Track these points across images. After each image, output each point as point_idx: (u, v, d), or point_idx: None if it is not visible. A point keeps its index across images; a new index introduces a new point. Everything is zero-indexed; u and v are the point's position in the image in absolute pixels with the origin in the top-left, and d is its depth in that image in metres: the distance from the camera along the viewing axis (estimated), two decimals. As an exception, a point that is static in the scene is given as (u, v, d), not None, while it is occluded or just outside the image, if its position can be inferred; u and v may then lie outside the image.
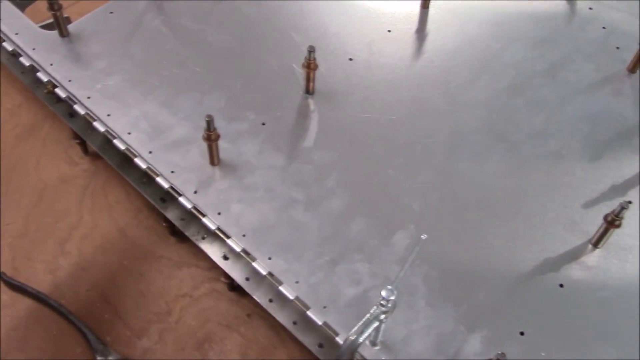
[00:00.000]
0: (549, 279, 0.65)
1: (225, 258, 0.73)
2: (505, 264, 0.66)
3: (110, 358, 0.73)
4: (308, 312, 0.62)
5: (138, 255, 0.82)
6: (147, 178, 0.77)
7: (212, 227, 0.67)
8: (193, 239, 0.75)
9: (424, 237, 0.55)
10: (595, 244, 0.68)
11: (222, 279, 0.78)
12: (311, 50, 0.73)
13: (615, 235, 0.66)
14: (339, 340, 0.61)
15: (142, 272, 0.81)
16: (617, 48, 0.84)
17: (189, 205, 0.69)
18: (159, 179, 0.71)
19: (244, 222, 0.67)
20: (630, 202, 0.62)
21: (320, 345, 0.64)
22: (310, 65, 0.74)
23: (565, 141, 0.76)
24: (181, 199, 0.69)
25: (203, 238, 0.75)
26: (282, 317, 0.66)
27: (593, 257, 0.67)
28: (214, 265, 0.77)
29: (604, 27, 0.87)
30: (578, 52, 0.85)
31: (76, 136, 0.86)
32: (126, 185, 0.86)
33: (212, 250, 0.74)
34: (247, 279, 0.70)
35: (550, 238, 0.67)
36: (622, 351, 0.60)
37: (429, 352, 0.60)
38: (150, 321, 0.78)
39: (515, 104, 0.79)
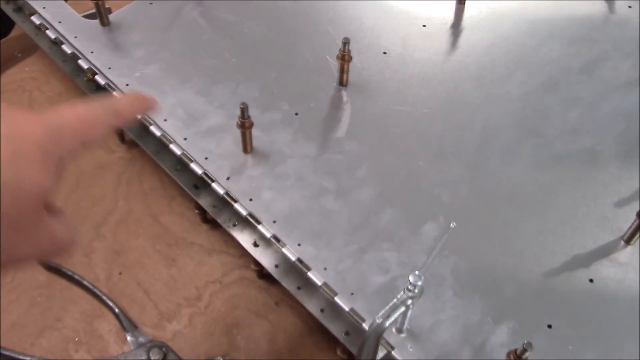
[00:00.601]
0: (579, 273, 0.65)
1: (256, 245, 0.73)
2: (534, 258, 0.66)
3: (140, 339, 0.75)
4: (335, 299, 0.62)
5: (170, 241, 0.84)
6: (180, 165, 0.78)
7: (244, 212, 0.69)
8: (224, 226, 0.76)
9: (453, 225, 0.55)
10: (628, 241, 0.67)
11: (252, 266, 0.80)
12: (346, 42, 0.74)
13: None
14: (366, 326, 0.61)
15: (174, 258, 0.83)
16: (656, 46, 0.83)
17: (221, 191, 0.70)
18: (192, 165, 0.72)
19: (274, 209, 0.68)
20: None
21: (347, 333, 0.65)
22: (344, 57, 0.75)
23: (600, 138, 0.75)
24: (214, 185, 0.71)
25: (234, 225, 0.76)
26: (310, 304, 0.67)
27: (624, 254, 0.66)
28: (244, 253, 0.78)
29: (642, 25, 0.86)
30: (615, 50, 0.84)
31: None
32: (160, 173, 0.88)
33: (243, 238, 0.75)
34: (276, 266, 0.71)
35: (580, 233, 0.67)
36: None
37: (455, 341, 0.61)
38: (180, 305, 0.79)
39: (550, 100, 0.78)
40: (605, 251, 0.66)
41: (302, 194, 0.69)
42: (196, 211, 0.84)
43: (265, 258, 0.72)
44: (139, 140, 0.80)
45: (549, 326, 0.62)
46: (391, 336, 0.61)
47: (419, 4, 0.89)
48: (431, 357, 0.60)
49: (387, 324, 0.52)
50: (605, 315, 0.62)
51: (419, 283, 0.51)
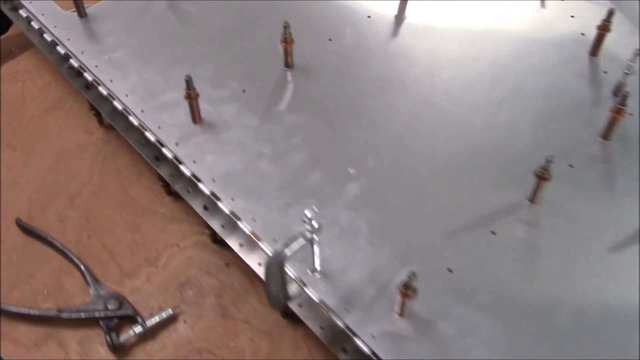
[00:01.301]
0: (482, 227, 0.72)
1: (205, 208, 0.82)
2: (444, 214, 0.73)
3: (101, 292, 0.83)
4: (260, 243, 0.70)
5: (137, 211, 0.93)
6: (145, 140, 0.87)
7: (188, 173, 0.77)
8: (181, 193, 0.85)
9: (352, 171, 0.63)
10: (531, 200, 0.74)
11: (206, 230, 0.88)
12: (286, 25, 0.83)
13: (552, 192, 0.72)
14: (289, 271, 0.69)
15: (138, 225, 0.92)
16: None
17: (170, 155, 0.79)
18: (147, 133, 0.81)
19: (215, 169, 0.77)
20: (552, 156, 0.69)
21: None
22: (286, 40, 0.84)
23: (520, 113, 0.82)
24: (164, 150, 0.79)
25: (188, 192, 0.85)
26: (251, 260, 0.75)
27: (527, 212, 0.73)
28: (201, 221, 0.86)
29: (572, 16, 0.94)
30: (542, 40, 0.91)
31: (92, 107, 0.98)
32: (132, 152, 0.97)
33: (196, 202, 0.83)
34: (223, 227, 0.79)
35: (489, 193, 0.74)
36: (540, 291, 0.66)
37: (363, 281, 0.68)
38: (140, 265, 0.88)
39: (477, 79, 0.86)
40: (510, 209, 0.73)
41: (240, 158, 0.78)
42: (160, 183, 0.92)
43: (213, 220, 0.81)
44: (111, 119, 0.90)
45: (449, 270, 0.69)
46: (306, 276, 0.68)
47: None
48: (339, 294, 0.67)
49: (286, 252, 0.60)
50: (503, 263, 0.69)
51: (310, 215, 0.59)
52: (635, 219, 0.71)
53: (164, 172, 0.86)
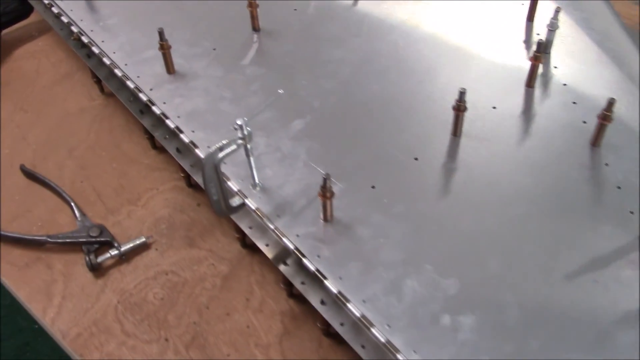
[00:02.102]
0: (407, 153, 0.81)
1: (179, 151, 0.94)
2: (374, 144, 0.83)
3: (86, 224, 0.95)
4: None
5: (125, 162, 1.06)
6: (133, 97, 1.00)
7: (158, 112, 0.89)
8: (160, 140, 0.97)
9: (280, 91, 0.74)
10: (454, 134, 0.83)
11: (181, 174, 1.00)
12: (253, -8, 0.95)
13: (472, 125, 0.82)
14: (232, 186, 0.80)
15: (125, 172, 1.04)
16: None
17: (144, 98, 0.91)
18: (128, 82, 0.94)
19: (181, 109, 0.89)
20: (464, 89, 0.78)
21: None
22: (252, 5, 0.96)
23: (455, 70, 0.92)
24: (140, 95, 0.92)
25: (165, 138, 0.97)
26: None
27: (450, 142, 0.82)
28: (180, 169, 0.98)
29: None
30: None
31: (94, 75, 1.12)
32: (126, 115, 1.10)
33: (170, 146, 0.95)
34: (192, 166, 0.90)
35: (417, 128, 0.84)
36: (450, 204, 0.76)
37: (296, 195, 0.78)
38: (123, 204, 1.00)
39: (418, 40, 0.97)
40: (433, 142, 0.83)
41: (204, 100, 0.90)
42: (146, 136, 1.05)
43: (185, 161, 0.92)
44: (106, 81, 1.03)
45: (373, 187, 0.79)
46: (248, 191, 0.79)
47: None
48: (274, 203, 0.77)
49: (219, 154, 0.71)
50: (419, 183, 0.78)
51: (241, 122, 0.70)
52: (545, 148, 0.80)
53: (146, 122, 0.99)
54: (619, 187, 0.76)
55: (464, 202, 0.76)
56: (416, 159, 0.81)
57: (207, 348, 0.83)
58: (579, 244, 0.71)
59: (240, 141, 0.71)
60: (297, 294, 0.86)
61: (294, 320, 0.85)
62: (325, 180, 0.71)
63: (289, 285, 0.85)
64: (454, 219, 0.74)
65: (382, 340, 0.66)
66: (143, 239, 0.93)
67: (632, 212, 0.74)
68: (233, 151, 0.72)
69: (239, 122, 0.70)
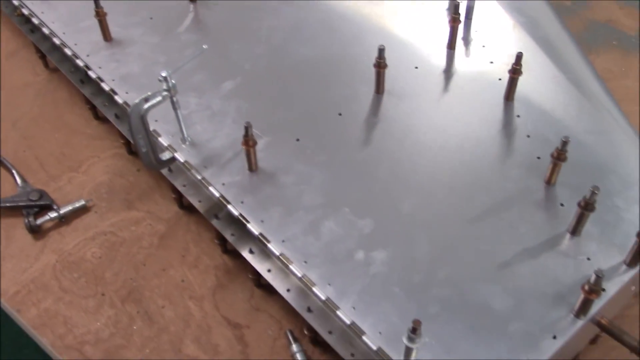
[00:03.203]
0: (331, 109, 0.85)
1: (117, 117, 0.97)
2: (301, 100, 0.87)
3: (27, 189, 0.98)
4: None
5: (68, 132, 1.08)
6: (74, 67, 1.03)
7: (94, 76, 0.92)
8: (99, 107, 1.00)
9: (205, 47, 0.78)
10: (377, 91, 0.87)
11: (121, 140, 1.02)
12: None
13: (395, 83, 0.87)
14: (162, 141, 0.83)
15: (68, 142, 1.06)
16: None
17: (81, 64, 0.94)
18: (66, 50, 0.97)
19: (116, 73, 0.92)
20: (383, 46, 0.82)
21: (170, 170, 0.87)
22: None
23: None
24: (77, 61, 0.95)
25: (105, 105, 1.00)
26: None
27: (373, 99, 0.87)
28: (121, 136, 1.01)
29: None
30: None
31: (38, 50, 1.14)
32: (70, 88, 1.13)
33: (109, 112, 0.98)
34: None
35: (343, 87, 0.88)
36: (370, 155, 0.80)
37: (224, 148, 0.82)
38: (64, 171, 1.02)
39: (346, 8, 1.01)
40: (357, 99, 0.87)
41: (139, 65, 0.93)
42: (88, 107, 1.08)
43: (123, 126, 0.95)
44: (49, 54, 1.06)
45: (297, 139, 0.82)
46: (177, 145, 0.82)
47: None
48: (203, 156, 0.81)
49: (144, 105, 0.74)
50: (342, 135, 0.82)
51: (165, 74, 0.73)
52: (462, 104, 0.84)
53: (87, 91, 1.01)
54: (528, 136, 0.81)
55: (383, 152, 0.80)
56: (340, 114, 0.85)
57: (142, 301, 0.86)
58: (489, 187, 0.76)
59: (165, 93, 0.74)
60: (231, 249, 0.90)
61: (228, 274, 0.88)
62: (247, 129, 0.75)
63: (223, 241, 0.88)
64: (373, 166, 0.78)
65: (299, 275, 0.69)
66: (82, 202, 0.95)
67: (539, 158, 0.78)
68: (158, 102, 0.75)
69: (163, 74, 0.74)
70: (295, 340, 0.80)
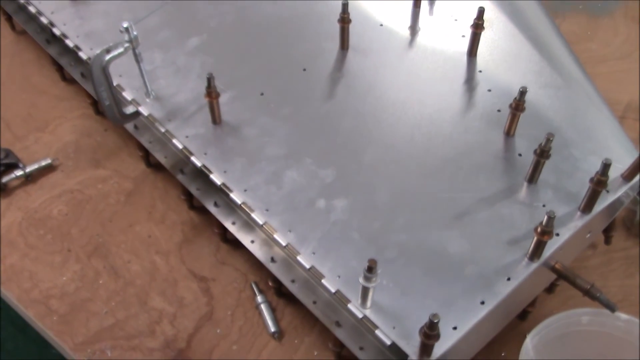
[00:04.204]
0: (296, 64, 0.86)
1: (83, 76, 0.96)
2: (266, 56, 0.87)
3: (-7, 151, 0.97)
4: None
5: (35, 93, 1.07)
6: (40, 28, 1.02)
7: (58, 33, 0.92)
8: (66, 67, 1.00)
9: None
10: (342, 47, 0.88)
11: (89, 101, 1.02)
12: None
13: (360, 40, 0.88)
14: (126, 95, 0.83)
15: (35, 103, 1.06)
16: None
17: (45, 21, 0.94)
18: (30, 8, 0.96)
19: (80, 30, 0.92)
20: (346, 0, 0.83)
21: (136, 127, 0.87)
22: None
23: None
24: (42, 18, 0.94)
25: (71, 65, 0.99)
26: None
27: (338, 54, 0.87)
28: (88, 96, 1.01)
29: None
30: None
31: (4, 13, 1.13)
32: (38, 50, 1.12)
33: (75, 72, 0.98)
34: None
35: (308, 43, 0.88)
36: (334, 108, 0.81)
37: (188, 102, 0.82)
38: (31, 131, 1.02)
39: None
40: (321, 55, 0.87)
41: (104, 21, 0.92)
42: (55, 68, 1.07)
43: (89, 85, 0.95)
44: (15, 15, 1.05)
45: (262, 94, 0.83)
46: (141, 99, 0.82)
47: None
48: (167, 109, 0.81)
49: (105, 56, 0.74)
50: (306, 90, 0.83)
51: (126, 25, 0.73)
52: (426, 59, 0.85)
53: (53, 51, 1.01)
54: (489, 90, 0.82)
55: (346, 106, 0.81)
56: (304, 69, 0.85)
57: (108, 256, 0.87)
58: (450, 139, 0.77)
59: (127, 44, 0.74)
60: (197, 205, 0.90)
61: (194, 229, 0.89)
62: (209, 80, 0.75)
63: (189, 197, 0.88)
64: (336, 120, 0.79)
65: (261, 222, 0.70)
66: (49, 161, 0.95)
67: (499, 111, 0.79)
68: (120, 54, 0.75)
69: (124, 24, 0.74)
70: (260, 291, 0.81)
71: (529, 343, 0.67)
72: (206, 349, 0.77)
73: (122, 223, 0.90)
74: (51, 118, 1.03)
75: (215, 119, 0.78)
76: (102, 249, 0.87)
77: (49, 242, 0.88)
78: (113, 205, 0.92)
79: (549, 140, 0.67)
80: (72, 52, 0.93)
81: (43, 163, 0.95)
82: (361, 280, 0.59)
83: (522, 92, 0.73)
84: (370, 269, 0.58)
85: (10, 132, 1.01)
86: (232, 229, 0.79)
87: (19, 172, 0.93)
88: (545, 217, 0.61)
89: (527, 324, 0.78)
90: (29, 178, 0.94)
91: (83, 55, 0.88)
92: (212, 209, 0.80)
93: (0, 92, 1.06)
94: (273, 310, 0.80)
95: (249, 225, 0.78)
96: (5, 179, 0.93)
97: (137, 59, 0.78)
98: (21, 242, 0.88)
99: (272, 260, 0.75)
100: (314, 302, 0.71)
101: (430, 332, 0.55)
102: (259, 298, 0.79)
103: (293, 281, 0.73)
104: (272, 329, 0.77)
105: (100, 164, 0.97)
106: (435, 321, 0.54)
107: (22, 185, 0.95)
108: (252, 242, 0.77)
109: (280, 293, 0.81)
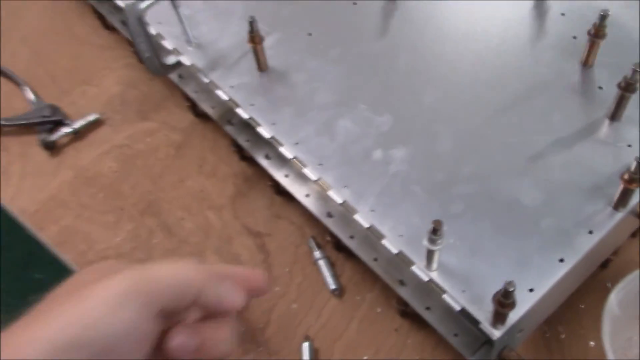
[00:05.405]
0: None
1: (123, 23, 0.92)
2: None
3: (40, 105, 0.95)
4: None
5: (78, 44, 1.04)
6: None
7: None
8: (105, 14, 0.95)
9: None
10: None
11: (132, 49, 0.98)
12: None
13: None
14: (167, 45, 0.78)
15: (79, 55, 1.02)
16: None
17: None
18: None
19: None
20: None
21: (180, 77, 0.82)
22: None
23: None
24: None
25: (111, 12, 0.95)
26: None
27: None
28: (131, 44, 0.96)
29: None
30: None
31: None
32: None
33: (115, 19, 0.93)
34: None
35: None
36: (387, 44, 0.73)
37: (231, 48, 0.76)
38: (75, 86, 0.98)
39: None
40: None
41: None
42: (96, 17, 1.03)
43: (128, 33, 0.90)
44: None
45: (309, 34, 0.76)
46: (182, 48, 0.77)
47: None
48: (209, 58, 0.75)
49: (140, 5, 0.69)
50: (357, 27, 0.76)
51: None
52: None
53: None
54: (563, 14, 0.73)
55: (402, 42, 0.73)
56: (355, 3, 0.78)
57: (161, 213, 0.84)
58: (519, 73, 0.69)
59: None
60: (248, 156, 0.86)
61: (246, 181, 0.85)
62: (251, 24, 0.69)
63: (239, 148, 0.84)
64: (391, 58, 0.72)
65: (314, 178, 0.65)
66: (96, 116, 0.92)
67: (575, 37, 0.71)
68: (155, 2, 0.69)
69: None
70: (319, 246, 0.77)
71: (614, 299, 0.60)
72: (265, 309, 0.74)
73: (172, 178, 0.87)
74: (96, 69, 1.00)
75: (261, 65, 0.73)
76: (154, 207, 0.84)
77: (101, 201, 0.86)
78: (163, 159, 0.88)
79: (635, 71, 0.59)
80: (110, -1, 0.88)
81: (90, 118, 0.92)
82: (425, 242, 0.54)
83: (603, 16, 0.64)
84: (435, 231, 0.53)
85: (57, 85, 0.99)
86: (285, 182, 0.74)
87: (67, 129, 0.91)
88: (634, 163, 0.54)
89: (608, 272, 0.72)
90: (77, 134, 0.92)
91: (120, 2, 0.83)
92: (263, 162, 0.76)
93: (44, 44, 1.02)
94: (332, 265, 0.76)
95: (304, 177, 0.73)
96: (54, 137, 0.90)
97: (174, 4, 0.72)
98: (74, 202, 0.86)
99: (329, 215, 0.70)
100: (375, 259, 0.67)
101: (505, 301, 0.49)
102: (317, 254, 0.75)
103: (352, 237, 0.69)
104: (333, 286, 0.73)
105: (147, 116, 0.94)
106: (511, 290, 0.48)
107: (70, 143, 0.92)
108: (307, 195, 0.73)
109: (340, 247, 0.76)
